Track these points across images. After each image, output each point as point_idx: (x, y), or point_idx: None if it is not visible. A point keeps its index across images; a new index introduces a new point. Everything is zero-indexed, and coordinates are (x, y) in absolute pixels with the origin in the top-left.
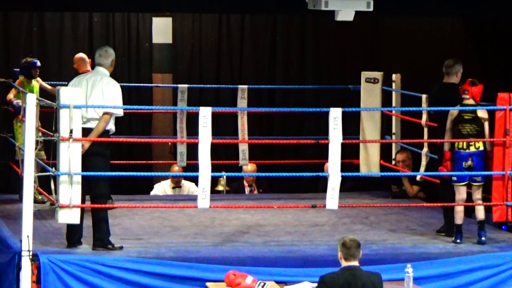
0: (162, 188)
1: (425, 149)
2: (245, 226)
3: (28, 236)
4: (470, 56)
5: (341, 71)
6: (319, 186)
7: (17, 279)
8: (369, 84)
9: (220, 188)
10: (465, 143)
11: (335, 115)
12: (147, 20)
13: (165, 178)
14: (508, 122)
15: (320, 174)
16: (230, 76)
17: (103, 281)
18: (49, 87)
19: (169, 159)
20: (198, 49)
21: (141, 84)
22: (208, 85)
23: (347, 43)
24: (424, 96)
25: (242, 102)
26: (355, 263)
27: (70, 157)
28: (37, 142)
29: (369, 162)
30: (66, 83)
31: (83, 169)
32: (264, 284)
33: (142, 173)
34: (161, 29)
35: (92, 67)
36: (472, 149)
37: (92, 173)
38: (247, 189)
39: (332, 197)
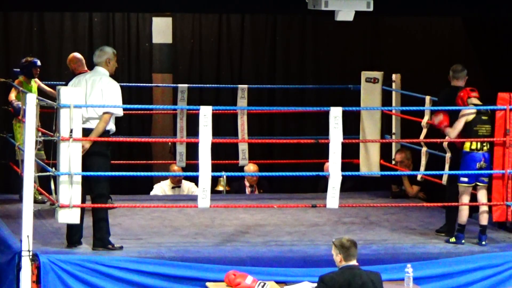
0: (162, 188)
1: (425, 148)
2: (245, 226)
3: (28, 236)
4: (470, 56)
5: (341, 71)
6: (319, 186)
7: (17, 279)
8: (369, 84)
9: (220, 188)
10: (479, 144)
11: (336, 114)
12: (147, 20)
13: (165, 178)
14: (508, 122)
15: (320, 173)
16: (230, 76)
17: (103, 281)
18: (47, 88)
19: (169, 159)
20: (198, 49)
21: (141, 84)
22: (208, 85)
23: (347, 43)
24: (428, 98)
25: (242, 102)
26: (354, 262)
27: (70, 157)
28: (37, 142)
29: (369, 162)
30: (65, 83)
31: (84, 169)
32: (264, 284)
33: (142, 173)
34: (161, 29)
35: (89, 67)
36: (485, 149)
37: (92, 173)
38: (248, 189)
39: (333, 196)
